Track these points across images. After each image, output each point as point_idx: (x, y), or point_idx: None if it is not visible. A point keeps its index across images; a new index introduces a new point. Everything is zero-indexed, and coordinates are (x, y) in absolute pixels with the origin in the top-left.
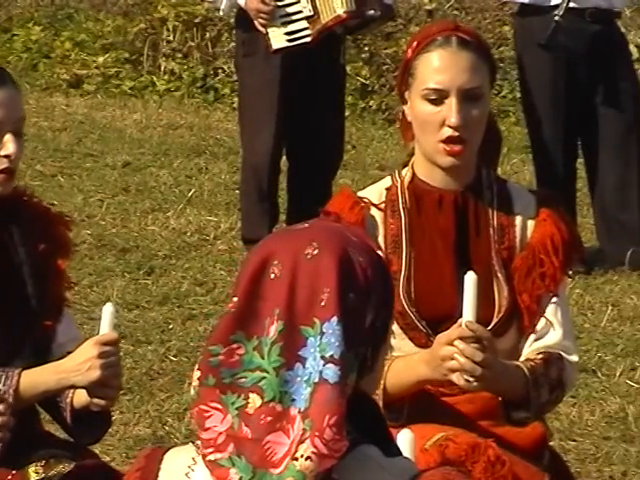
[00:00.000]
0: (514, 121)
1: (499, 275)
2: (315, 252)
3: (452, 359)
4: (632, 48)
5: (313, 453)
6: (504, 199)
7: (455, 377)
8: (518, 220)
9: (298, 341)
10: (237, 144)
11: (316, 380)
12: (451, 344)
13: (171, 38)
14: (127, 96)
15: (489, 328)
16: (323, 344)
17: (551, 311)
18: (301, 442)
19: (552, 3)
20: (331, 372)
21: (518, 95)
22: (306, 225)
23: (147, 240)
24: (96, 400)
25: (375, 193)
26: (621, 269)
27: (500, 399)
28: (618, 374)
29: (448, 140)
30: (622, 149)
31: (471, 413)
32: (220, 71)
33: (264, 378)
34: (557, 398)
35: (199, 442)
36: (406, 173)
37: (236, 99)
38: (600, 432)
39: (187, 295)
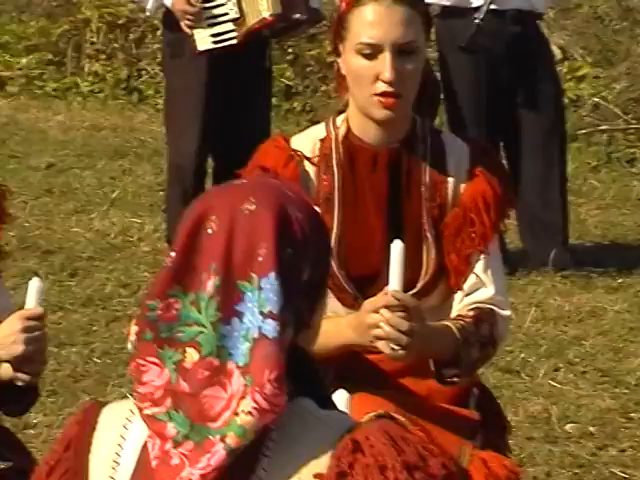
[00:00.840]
0: (438, 123)
1: (428, 235)
2: (252, 207)
3: (378, 327)
4: (554, 49)
5: (254, 408)
6: (437, 153)
7: (381, 345)
8: (451, 175)
9: (235, 296)
10: (161, 145)
11: (255, 336)
12: (377, 312)
13: (95, 39)
14: (51, 97)
15: (416, 289)
16: (261, 299)
17: (481, 268)
18: (242, 398)
19: (473, 5)
20: (270, 327)
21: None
22: (244, 181)
23: (71, 242)
24: (20, 375)
25: (309, 144)
26: (544, 270)
27: (431, 360)
28: (541, 375)
29: (382, 94)
30: (544, 150)
31: (397, 370)
32: (144, 72)
33: (201, 332)
34: (488, 354)
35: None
36: (341, 125)
37: (160, 100)
38: (524, 432)
39: (111, 297)
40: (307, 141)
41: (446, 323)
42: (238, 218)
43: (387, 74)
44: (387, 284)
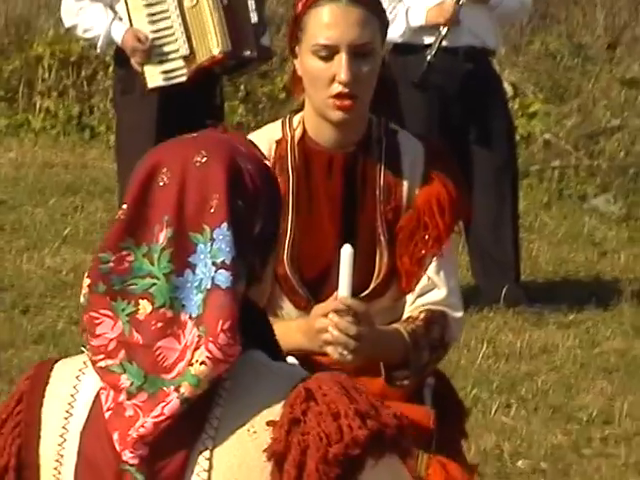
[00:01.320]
0: None
1: (382, 239)
2: (204, 160)
3: (327, 331)
4: (506, 86)
5: (208, 358)
6: (393, 154)
7: (330, 350)
8: (406, 177)
9: (188, 248)
10: (113, 182)
11: (208, 286)
12: (326, 317)
13: (46, 76)
14: (2, 135)
15: (367, 291)
16: (214, 250)
17: (434, 269)
18: (196, 348)
19: (425, 42)
20: (223, 277)
21: None
22: (194, 135)
23: (22, 279)
24: None
25: (265, 144)
26: (496, 306)
27: (382, 364)
28: (494, 411)
29: (338, 96)
30: (496, 187)
31: (349, 370)
32: (96, 109)
33: (154, 284)
34: (439, 357)
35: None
36: (297, 126)
37: (112, 137)
38: None
39: (63, 334)
40: (263, 141)
41: (396, 326)
42: (190, 170)
43: (343, 75)
44: (337, 289)
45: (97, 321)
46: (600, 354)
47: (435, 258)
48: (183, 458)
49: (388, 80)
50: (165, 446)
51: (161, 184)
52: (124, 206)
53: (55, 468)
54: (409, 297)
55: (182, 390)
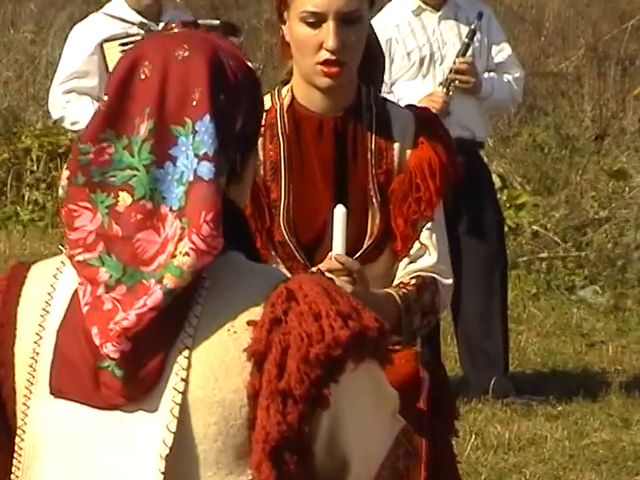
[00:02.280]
0: None
1: (374, 201)
2: (186, 54)
3: None
4: (495, 178)
5: (191, 249)
6: (383, 121)
7: None
8: (396, 142)
9: (169, 140)
10: None
11: (190, 179)
12: None
13: (35, 168)
14: None
15: (359, 253)
16: (196, 142)
17: (426, 235)
18: (180, 240)
19: None
20: (205, 169)
21: None
22: (176, 31)
23: None
24: None
25: None
26: (485, 398)
27: None
28: None
29: (326, 62)
30: (486, 279)
31: None
32: None
33: (134, 176)
34: (430, 322)
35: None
36: (285, 95)
37: None
38: None
39: None
40: None
41: (389, 291)
42: (172, 63)
43: (330, 42)
44: (332, 250)
45: (75, 214)
46: (588, 445)
47: (427, 224)
48: (162, 356)
49: (374, 47)
50: (145, 343)
51: (142, 77)
52: (105, 98)
53: (30, 365)
54: (401, 263)
55: (165, 282)
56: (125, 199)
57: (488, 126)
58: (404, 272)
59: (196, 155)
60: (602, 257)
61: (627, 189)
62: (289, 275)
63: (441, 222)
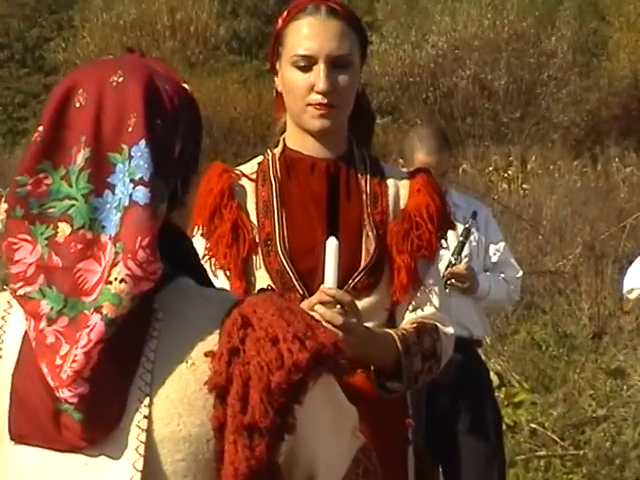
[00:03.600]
0: None
1: (369, 234)
2: (120, 80)
3: None
4: (493, 376)
5: (127, 275)
6: (376, 171)
7: None
8: (391, 190)
9: (106, 168)
10: None
11: (126, 204)
12: (312, 310)
13: None
14: None
15: (352, 284)
16: (132, 168)
17: (428, 281)
18: (114, 265)
19: None
20: (141, 194)
21: None
22: (111, 57)
23: None
24: None
25: (247, 167)
26: None
27: (373, 368)
28: None
29: (317, 105)
30: (484, 477)
31: None
32: None
33: (73, 206)
34: (431, 369)
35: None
36: (278, 145)
37: None
38: None
39: None
40: (245, 166)
41: (386, 330)
42: (106, 90)
43: (321, 85)
44: (323, 282)
45: (15, 246)
46: None
47: (429, 268)
48: (122, 395)
49: (365, 106)
50: (103, 383)
51: (77, 105)
52: (40, 128)
53: None
54: (401, 311)
55: (104, 311)
56: (64, 229)
57: (486, 324)
58: (407, 320)
59: (132, 180)
60: (600, 456)
61: (625, 387)
62: (239, 296)
63: (438, 274)
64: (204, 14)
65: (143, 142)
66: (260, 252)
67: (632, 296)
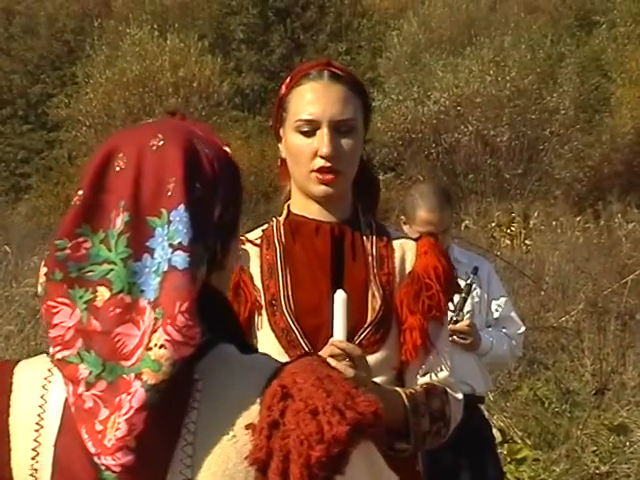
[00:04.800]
0: None
1: (375, 293)
2: (160, 143)
3: None
4: (495, 432)
5: (167, 341)
6: (382, 234)
7: None
8: (397, 252)
9: (145, 232)
10: None
11: (165, 269)
12: None
13: None
14: None
15: (358, 340)
16: (171, 232)
17: (439, 344)
18: (154, 331)
19: None
20: (180, 259)
21: None
22: (151, 121)
23: None
24: None
25: (252, 234)
26: None
27: None
28: None
29: (320, 170)
30: None
31: None
32: None
33: (112, 270)
34: (440, 431)
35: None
36: (282, 211)
37: None
38: None
39: None
40: (251, 234)
41: (395, 388)
42: (146, 154)
43: (325, 149)
44: (332, 335)
45: (54, 310)
46: None
47: (440, 331)
48: (164, 467)
49: (371, 177)
50: (146, 453)
51: (117, 169)
52: (79, 192)
53: None
54: (411, 375)
55: (144, 377)
56: (103, 293)
57: (488, 380)
58: (417, 384)
59: (170, 245)
60: None
61: (628, 444)
62: (282, 360)
63: (447, 337)
64: (207, 70)
65: (182, 207)
66: (265, 313)
67: None
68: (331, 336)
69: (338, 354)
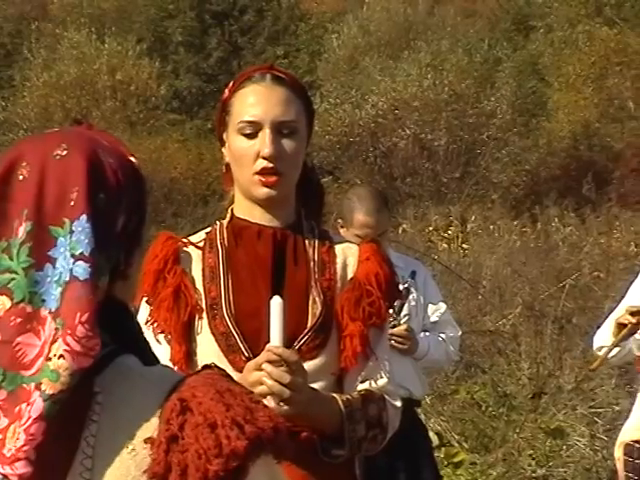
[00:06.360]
0: None
1: (316, 298)
2: (64, 153)
3: (261, 384)
4: (432, 435)
5: (66, 351)
6: (324, 239)
7: (266, 402)
8: (339, 258)
9: (48, 241)
10: None
11: (66, 279)
12: (260, 369)
13: None
14: None
15: (298, 345)
16: (73, 242)
17: (379, 351)
18: (54, 342)
19: None
20: (81, 269)
21: None
22: (56, 129)
23: None
24: None
25: (195, 237)
26: None
27: (317, 433)
28: None
29: (263, 171)
30: None
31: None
32: None
33: (13, 279)
34: (376, 438)
35: None
36: (225, 215)
37: None
38: None
39: None
40: (194, 236)
41: (331, 394)
42: (50, 163)
43: (267, 150)
44: (269, 341)
45: None
46: None
47: (380, 338)
48: (63, 479)
49: (315, 183)
50: (44, 465)
51: (21, 178)
52: None
53: None
54: (348, 379)
55: (43, 387)
56: (4, 303)
57: (425, 384)
58: (356, 391)
59: (72, 255)
60: None
61: (564, 447)
62: (180, 375)
63: (387, 344)
64: (144, 73)
65: (84, 217)
66: (205, 316)
67: (601, 353)
68: (268, 342)
69: (275, 360)
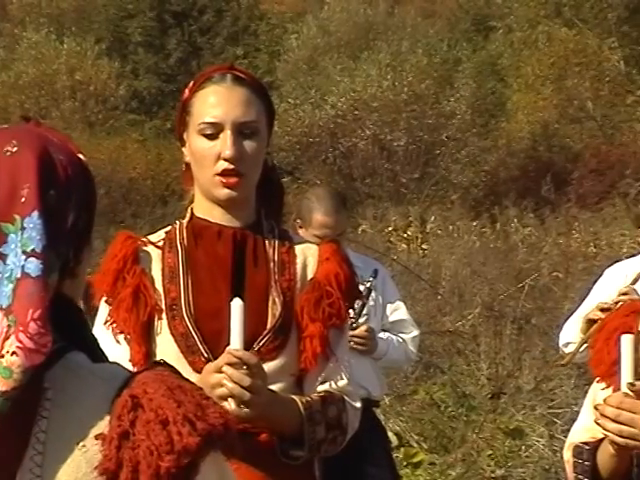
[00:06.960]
0: None
1: (276, 299)
2: (14, 149)
3: (222, 386)
4: (391, 436)
5: (19, 348)
6: (284, 240)
7: (225, 404)
8: (299, 258)
9: None
10: None
11: (18, 275)
12: (220, 372)
13: None
14: None
15: (258, 346)
16: (24, 239)
17: (339, 352)
18: (6, 339)
19: None
20: (33, 266)
21: None
22: (5, 126)
23: None
24: None
25: (154, 236)
26: None
27: (276, 435)
28: None
29: (224, 173)
30: None
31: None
32: None
33: None
34: (336, 439)
35: None
36: (185, 214)
37: None
38: None
39: None
40: (153, 236)
41: (291, 396)
42: (0, 160)
43: (228, 151)
44: (229, 343)
45: None
46: None
47: (340, 339)
48: (12, 476)
49: (276, 183)
50: None
51: None
52: None
53: None
54: (310, 383)
55: None
56: None
57: (384, 384)
58: (315, 392)
59: (24, 252)
60: None
61: (523, 448)
62: (130, 371)
63: (347, 344)
64: (104, 74)
65: (36, 213)
66: (165, 317)
67: (568, 350)
68: (228, 344)
69: (235, 362)
